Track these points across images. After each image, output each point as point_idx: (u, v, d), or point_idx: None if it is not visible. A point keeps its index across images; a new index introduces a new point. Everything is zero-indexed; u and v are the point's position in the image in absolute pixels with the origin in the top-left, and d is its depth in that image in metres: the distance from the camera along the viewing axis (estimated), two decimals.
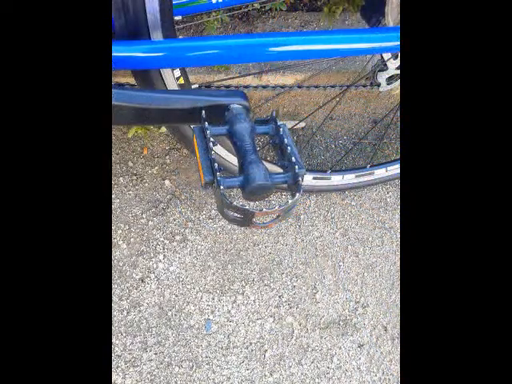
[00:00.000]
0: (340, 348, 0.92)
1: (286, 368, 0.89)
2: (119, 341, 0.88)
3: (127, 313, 0.91)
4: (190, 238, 0.99)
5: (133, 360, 0.87)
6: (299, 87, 0.99)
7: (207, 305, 0.93)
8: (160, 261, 0.96)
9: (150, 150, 1.10)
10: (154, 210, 1.02)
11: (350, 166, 1.14)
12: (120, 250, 0.96)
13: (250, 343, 0.90)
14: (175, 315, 0.92)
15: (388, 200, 1.10)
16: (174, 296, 0.93)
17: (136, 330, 0.89)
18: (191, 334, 0.90)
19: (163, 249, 0.98)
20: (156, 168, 1.07)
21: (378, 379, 0.90)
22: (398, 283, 0.99)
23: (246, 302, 0.94)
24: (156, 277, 0.94)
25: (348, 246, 1.03)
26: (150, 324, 0.90)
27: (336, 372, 0.89)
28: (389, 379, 0.90)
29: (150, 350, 0.88)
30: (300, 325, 0.93)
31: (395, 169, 1.05)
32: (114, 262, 0.95)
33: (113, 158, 1.07)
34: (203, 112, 0.59)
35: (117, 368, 0.86)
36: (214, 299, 0.94)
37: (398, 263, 1.02)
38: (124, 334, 0.89)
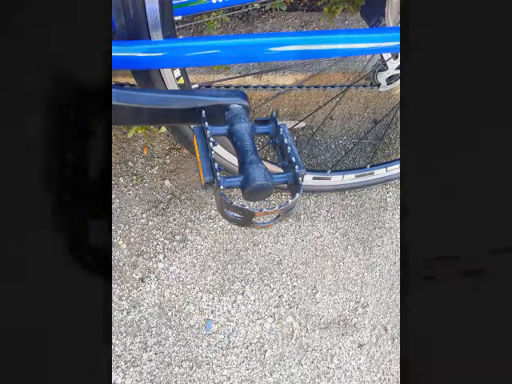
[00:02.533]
0: (340, 348, 0.92)
1: (286, 368, 0.89)
2: (119, 341, 0.88)
3: (127, 313, 0.91)
4: (190, 238, 0.99)
5: (133, 360, 0.87)
6: (299, 87, 0.99)
7: (207, 305, 0.93)
8: (160, 261, 0.96)
9: (150, 150, 1.10)
10: (153, 210, 1.02)
11: (350, 166, 1.14)
12: (120, 250, 0.96)
13: (250, 343, 0.90)
14: (175, 315, 0.92)
15: (388, 200, 1.10)
16: (174, 296, 0.93)
17: (136, 329, 0.89)
18: (191, 333, 0.90)
19: (163, 249, 0.98)
20: (156, 168, 1.07)
21: (377, 379, 0.90)
22: (397, 283, 0.99)
23: (245, 301, 0.94)
24: (156, 277, 0.94)
25: (348, 246, 1.03)
26: (150, 324, 0.90)
27: (336, 372, 0.89)
28: (389, 379, 0.90)
29: (150, 350, 0.88)
30: (300, 325, 0.93)
31: (395, 169, 1.05)
32: (114, 262, 0.95)
33: (113, 158, 1.07)
34: (203, 112, 0.59)
35: (117, 368, 0.86)
36: (213, 299, 0.94)
37: (398, 263, 1.02)
38: (124, 334, 0.89)
